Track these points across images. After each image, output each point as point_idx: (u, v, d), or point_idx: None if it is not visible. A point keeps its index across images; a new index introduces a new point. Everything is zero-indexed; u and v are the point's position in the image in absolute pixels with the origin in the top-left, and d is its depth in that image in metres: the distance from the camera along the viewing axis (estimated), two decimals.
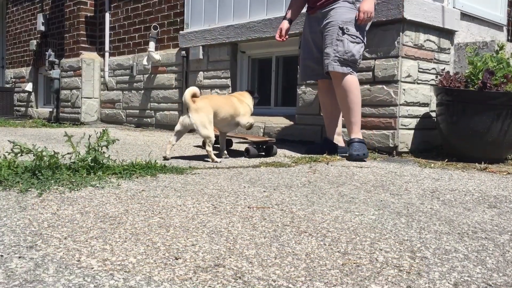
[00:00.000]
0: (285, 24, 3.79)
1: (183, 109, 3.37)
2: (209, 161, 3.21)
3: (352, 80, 3.47)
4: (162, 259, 1.32)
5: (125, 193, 2.11)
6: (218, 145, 3.58)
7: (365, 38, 3.53)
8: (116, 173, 2.52)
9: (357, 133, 3.53)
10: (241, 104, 3.47)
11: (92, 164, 2.52)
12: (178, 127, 3.26)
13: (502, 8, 4.87)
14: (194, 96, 3.18)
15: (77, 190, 2.14)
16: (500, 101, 3.33)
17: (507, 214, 1.93)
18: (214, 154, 3.25)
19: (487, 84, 3.29)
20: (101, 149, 2.58)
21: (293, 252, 1.41)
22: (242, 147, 3.87)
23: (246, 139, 3.77)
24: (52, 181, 2.24)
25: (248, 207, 1.94)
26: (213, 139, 3.21)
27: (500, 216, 1.91)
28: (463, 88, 3.44)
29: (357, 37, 3.44)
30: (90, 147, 2.55)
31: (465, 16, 4.33)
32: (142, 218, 1.73)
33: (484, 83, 3.30)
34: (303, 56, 3.83)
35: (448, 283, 1.21)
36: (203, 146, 3.36)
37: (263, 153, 3.56)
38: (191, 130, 3.32)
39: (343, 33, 3.42)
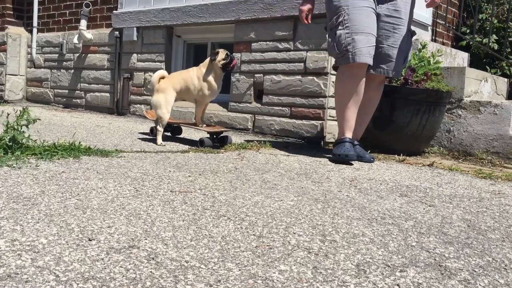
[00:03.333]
0: (307, 6, 3.18)
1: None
2: (137, 146, 3.18)
3: None
4: (75, 240, 1.31)
5: (43, 174, 2.05)
6: (168, 133, 3.79)
7: None
8: (36, 153, 2.43)
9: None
10: (198, 81, 3.48)
11: (10, 143, 2.41)
12: None
13: (428, 9, 5.12)
14: (162, 78, 3.42)
15: None
16: (419, 97, 3.53)
17: (415, 203, 2.07)
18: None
19: (408, 81, 3.47)
20: (21, 129, 2.47)
21: (209, 234, 1.44)
22: (193, 134, 3.96)
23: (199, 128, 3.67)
24: None
25: (171, 191, 1.94)
26: (165, 120, 3.36)
27: (409, 204, 2.04)
28: (387, 84, 3.60)
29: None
30: (9, 125, 2.44)
31: None
32: (59, 199, 1.69)
33: (406, 79, 3.48)
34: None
35: (352, 264, 1.29)
36: (151, 133, 3.57)
37: (218, 144, 3.41)
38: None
39: (411, 37, 3.13)
